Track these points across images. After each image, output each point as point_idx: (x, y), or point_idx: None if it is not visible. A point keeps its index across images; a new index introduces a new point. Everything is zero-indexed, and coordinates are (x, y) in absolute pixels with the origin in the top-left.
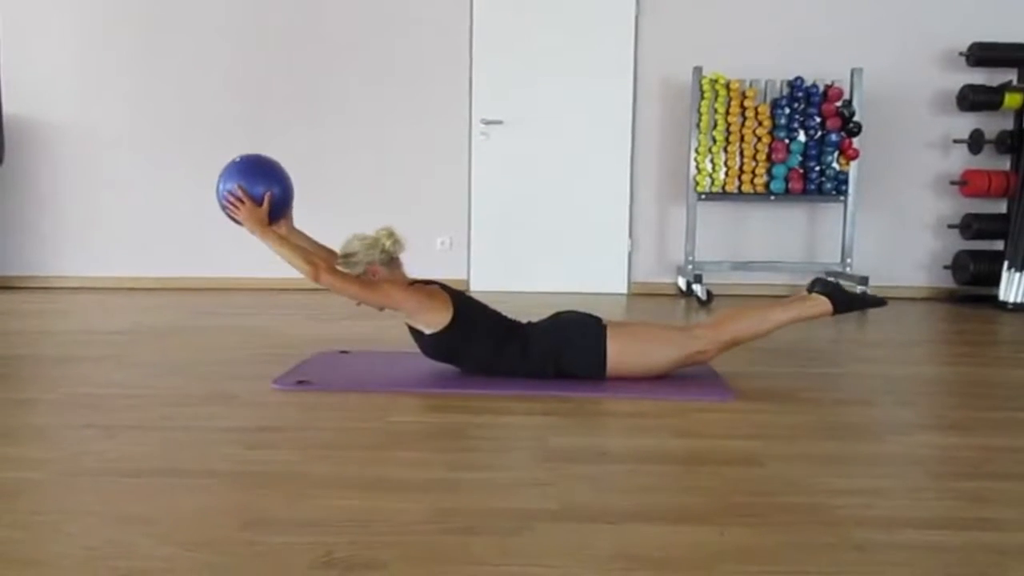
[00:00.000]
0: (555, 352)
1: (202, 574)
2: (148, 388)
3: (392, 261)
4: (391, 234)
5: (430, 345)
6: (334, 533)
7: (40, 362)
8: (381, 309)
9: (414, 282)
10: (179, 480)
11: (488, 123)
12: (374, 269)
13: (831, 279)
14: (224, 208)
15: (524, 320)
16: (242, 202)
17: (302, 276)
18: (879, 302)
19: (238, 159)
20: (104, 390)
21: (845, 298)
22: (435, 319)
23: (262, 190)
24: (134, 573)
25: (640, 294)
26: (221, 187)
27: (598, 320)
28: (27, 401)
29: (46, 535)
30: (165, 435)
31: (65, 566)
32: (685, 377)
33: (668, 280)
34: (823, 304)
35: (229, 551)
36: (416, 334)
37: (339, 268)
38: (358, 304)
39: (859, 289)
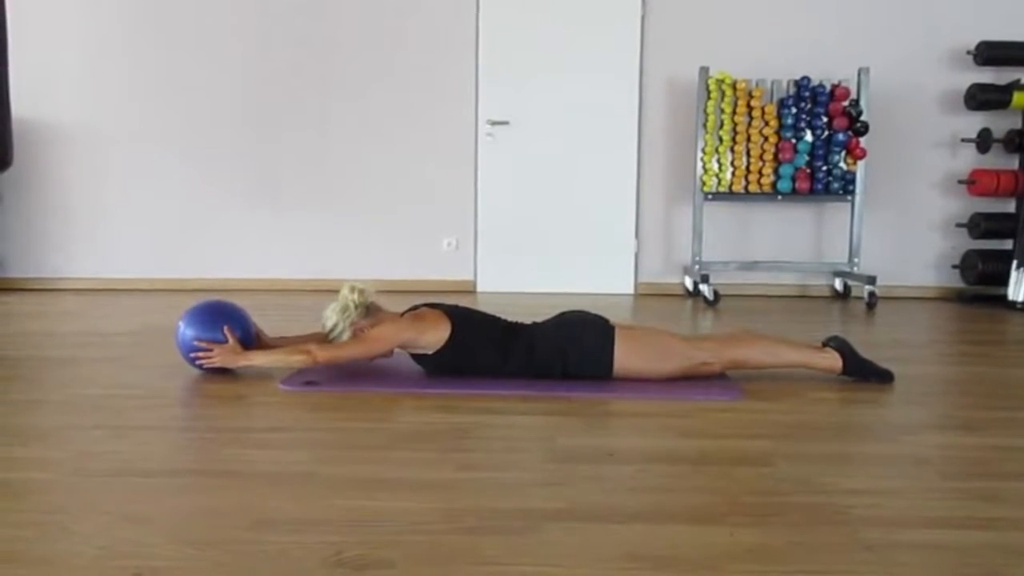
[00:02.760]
0: (562, 351)
1: (211, 574)
2: (156, 389)
3: (369, 308)
4: (353, 288)
5: (437, 363)
6: (343, 533)
7: (48, 363)
8: (390, 354)
9: (402, 313)
10: (188, 480)
11: (494, 124)
12: (359, 327)
13: (848, 342)
14: (201, 366)
15: (529, 321)
16: (211, 350)
17: (309, 275)
18: (888, 376)
19: (180, 324)
20: (113, 391)
21: (856, 362)
22: (435, 337)
23: (220, 333)
24: (144, 572)
25: (647, 295)
26: (185, 352)
27: (606, 321)
28: (36, 402)
29: (56, 535)
30: (174, 435)
31: (76, 565)
32: (693, 377)
33: (675, 280)
34: (834, 360)
35: (238, 551)
36: (421, 359)
37: (330, 341)
38: (371, 361)
39: (867, 290)
